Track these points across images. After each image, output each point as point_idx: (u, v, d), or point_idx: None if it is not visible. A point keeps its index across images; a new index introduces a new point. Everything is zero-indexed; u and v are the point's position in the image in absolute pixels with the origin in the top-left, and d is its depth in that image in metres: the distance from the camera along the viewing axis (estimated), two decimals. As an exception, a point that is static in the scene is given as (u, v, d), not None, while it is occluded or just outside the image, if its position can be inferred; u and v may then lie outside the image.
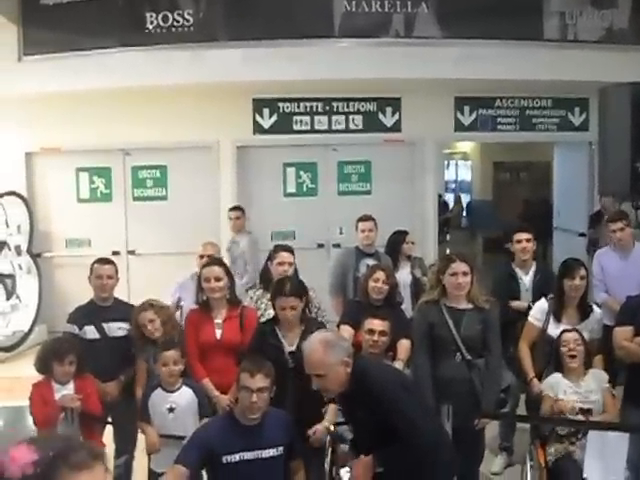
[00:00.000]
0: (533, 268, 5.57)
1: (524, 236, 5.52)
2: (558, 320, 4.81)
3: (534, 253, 5.63)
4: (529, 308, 5.23)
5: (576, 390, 4.41)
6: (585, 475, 3.99)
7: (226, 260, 6.58)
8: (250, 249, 7.92)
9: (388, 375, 3.63)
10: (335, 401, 3.86)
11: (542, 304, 4.95)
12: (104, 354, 4.76)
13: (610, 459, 3.98)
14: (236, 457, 3.45)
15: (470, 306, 4.39)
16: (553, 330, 4.75)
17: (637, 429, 4.22)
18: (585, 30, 8.98)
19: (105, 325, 4.87)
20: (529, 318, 5.00)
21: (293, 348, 4.24)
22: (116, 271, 5.07)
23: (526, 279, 5.53)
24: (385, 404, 3.30)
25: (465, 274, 4.34)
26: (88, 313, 4.97)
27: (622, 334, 4.56)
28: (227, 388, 4.46)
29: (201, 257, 5.82)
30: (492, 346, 4.38)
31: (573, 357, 4.49)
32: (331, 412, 4.12)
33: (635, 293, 4.75)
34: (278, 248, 5.44)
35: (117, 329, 4.89)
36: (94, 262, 5.08)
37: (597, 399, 4.41)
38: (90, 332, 4.86)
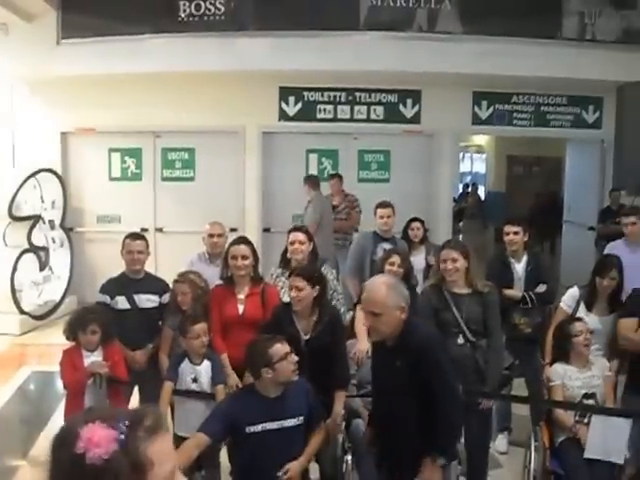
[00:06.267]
0: (525, 258, 5.59)
1: (512, 229, 5.55)
2: (589, 309, 4.91)
3: (526, 244, 5.62)
4: (523, 297, 5.41)
5: (578, 376, 4.47)
6: (587, 455, 4.09)
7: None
8: None
9: (435, 336, 3.75)
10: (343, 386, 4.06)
11: (574, 291, 5.05)
12: (133, 324, 4.86)
13: (611, 441, 4.06)
14: (259, 427, 3.48)
15: (469, 290, 4.48)
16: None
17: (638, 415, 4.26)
18: (603, 30, 9.18)
19: (136, 296, 4.96)
20: (560, 304, 5.12)
21: (308, 337, 4.24)
22: (147, 246, 5.15)
23: (519, 268, 5.56)
24: (428, 361, 3.40)
25: (454, 261, 4.43)
26: (120, 284, 5.04)
27: (627, 325, 4.67)
28: (248, 362, 4.64)
29: (210, 236, 5.71)
30: (493, 328, 4.47)
31: (587, 345, 4.51)
32: (339, 400, 4.17)
33: (642, 285, 4.81)
34: (292, 229, 5.40)
35: (147, 301, 4.98)
36: (126, 237, 5.15)
37: (599, 384, 4.46)
38: (121, 302, 4.94)
